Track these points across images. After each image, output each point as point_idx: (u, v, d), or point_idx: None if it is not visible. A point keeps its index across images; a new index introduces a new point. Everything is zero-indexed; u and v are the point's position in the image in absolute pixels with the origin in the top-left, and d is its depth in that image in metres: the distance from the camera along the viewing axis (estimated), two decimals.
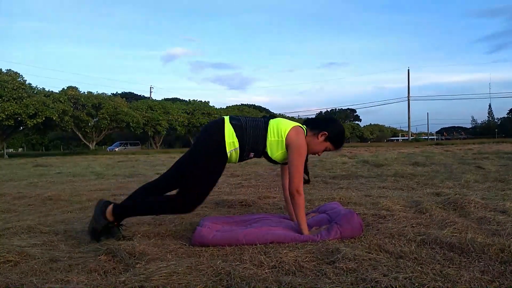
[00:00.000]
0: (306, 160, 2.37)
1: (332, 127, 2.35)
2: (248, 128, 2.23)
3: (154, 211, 2.31)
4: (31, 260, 1.84)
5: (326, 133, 2.31)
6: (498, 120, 64.00)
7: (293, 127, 2.26)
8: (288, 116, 54.85)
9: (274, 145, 2.24)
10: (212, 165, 2.21)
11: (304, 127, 2.34)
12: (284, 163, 2.37)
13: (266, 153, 2.27)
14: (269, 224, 2.31)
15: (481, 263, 1.65)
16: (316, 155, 2.41)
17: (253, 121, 2.28)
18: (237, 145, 2.21)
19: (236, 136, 2.20)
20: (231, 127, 2.21)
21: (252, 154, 2.28)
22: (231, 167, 7.58)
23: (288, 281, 1.49)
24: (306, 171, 2.42)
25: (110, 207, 2.21)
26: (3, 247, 1.94)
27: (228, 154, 2.21)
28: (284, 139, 2.22)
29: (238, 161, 2.31)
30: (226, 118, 2.27)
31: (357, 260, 1.68)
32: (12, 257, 1.85)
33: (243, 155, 2.26)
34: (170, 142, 45.88)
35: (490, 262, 1.66)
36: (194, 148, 2.31)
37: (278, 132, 2.24)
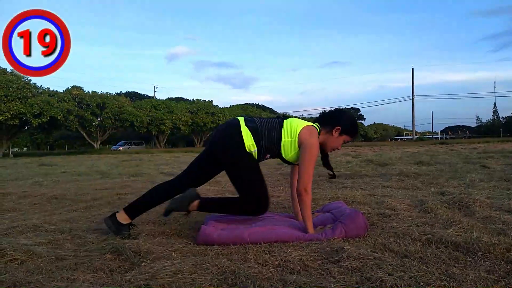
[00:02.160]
0: (327, 156, 2.39)
1: (344, 119, 2.35)
2: (263, 130, 2.25)
3: (227, 211, 2.36)
4: (37, 259, 1.85)
5: (340, 127, 2.32)
6: (503, 119, 63.54)
7: (305, 126, 2.26)
8: (291, 116, 54.87)
9: (288, 146, 2.25)
10: (248, 163, 2.25)
11: (317, 125, 2.33)
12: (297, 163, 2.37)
13: (281, 154, 2.28)
14: (273, 223, 2.31)
15: (487, 263, 1.64)
16: (336, 149, 2.42)
17: (267, 123, 2.29)
18: (255, 148, 2.23)
19: (253, 139, 2.22)
20: (248, 130, 2.23)
21: (268, 156, 2.31)
22: None
23: (292, 280, 1.49)
24: (330, 167, 2.44)
25: (197, 202, 2.26)
26: (9, 246, 1.95)
27: (251, 154, 2.25)
28: (296, 138, 2.23)
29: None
30: (241, 120, 2.28)
31: (362, 259, 1.68)
32: (18, 255, 1.86)
33: (260, 157, 2.28)
34: (174, 141, 45.96)
35: (495, 261, 1.65)
36: (220, 158, 2.30)
37: (290, 132, 2.25)
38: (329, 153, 2.45)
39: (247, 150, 2.22)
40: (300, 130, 2.24)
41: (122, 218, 2.31)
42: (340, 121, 2.33)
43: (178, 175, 2.50)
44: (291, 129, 2.26)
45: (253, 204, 2.25)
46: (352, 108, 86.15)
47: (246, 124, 2.25)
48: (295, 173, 2.45)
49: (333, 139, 2.33)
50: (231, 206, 2.33)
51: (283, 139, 2.25)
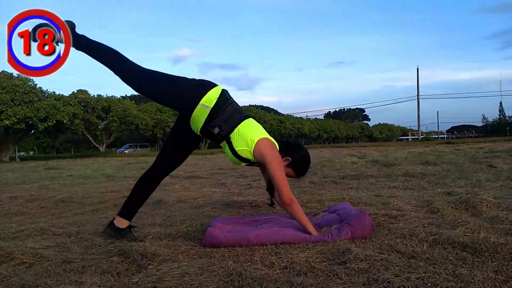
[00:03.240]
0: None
1: (297, 154, 2.32)
2: (230, 105, 2.19)
3: (108, 57, 2.29)
4: (45, 262, 1.86)
5: (290, 159, 2.29)
6: (510, 118, 63.15)
7: (267, 138, 2.20)
8: (296, 117, 54.79)
9: (241, 138, 2.15)
10: (177, 90, 2.22)
11: (276, 143, 2.27)
12: (236, 163, 2.28)
13: (230, 139, 2.17)
14: (279, 224, 2.31)
15: (495, 263, 1.63)
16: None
17: (238, 107, 2.24)
18: (210, 105, 2.14)
19: (217, 100, 2.16)
20: (219, 92, 2.19)
21: (216, 130, 2.16)
22: (240, 168, 7.59)
23: (299, 282, 1.49)
24: (272, 193, 2.39)
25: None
26: (17, 249, 1.97)
27: (198, 106, 2.15)
28: (254, 140, 2.15)
29: (200, 131, 2.21)
30: (221, 86, 2.25)
31: (369, 260, 1.67)
32: (27, 258, 1.87)
33: (209, 123, 2.15)
34: None
35: (503, 262, 1.64)
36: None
37: (251, 129, 2.18)
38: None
39: (201, 100, 2.15)
40: (262, 138, 2.17)
41: (120, 223, 2.33)
42: (294, 154, 2.30)
43: (154, 161, 2.43)
44: (252, 128, 2.19)
45: (132, 76, 2.25)
46: (357, 108, 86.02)
47: (222, 90, 2.22)
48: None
49: None
50: (116, 59, 2.27)
51: (239, 127, 2.16)
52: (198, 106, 2.16)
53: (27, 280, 1.59)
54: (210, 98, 2.16)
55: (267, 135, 2.24)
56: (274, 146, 2.22)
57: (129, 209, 2.37)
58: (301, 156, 2.34)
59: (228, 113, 2.17)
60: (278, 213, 2.91)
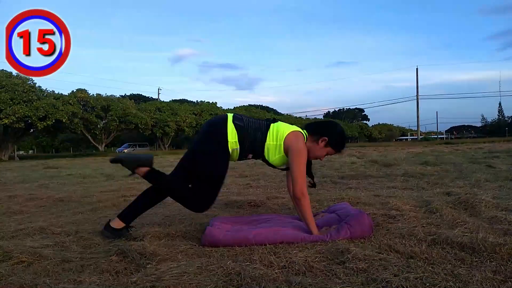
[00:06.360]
0: (310, 163, 2.37)
1: (331, 131, 2.35)
2: (249, 129, 2.25)
3: (169, 192, 2.39)
4: (44, 261, 1.86)
5: (326, 138, 2.31)
6: (509, 119, 63.23)
7: (292, 131, 2.26)
8: (296, 117, 54.79)
9: (272, 149, 2.26)
10: (218, 164, 2.26)
11: (304, 132, 2.33)
12: (282, 168, 2.37)
13: (264, 155, 2.29)
14: (278, 224, 2.32)
15: (493, 263, 1.64)
16: (319, 159, 2.41)
17: (255, 123, 2.30)
18: (238, 145, 2.24)
19: (238, 136, 2.23)
20: (233, 127, 2.23)
21: (250, 155, 2.31)
22: (239, 168, 7.60)
23: (298, 281, 1.49)
24: (311, 175, 2.42)
25: (146, 169, 2.40)
26: (16, 248, 1.97)
27: (232, 152, 2.26)
28: (282, 143, 2.24)
29: (238, 160, 2.35)
30: (230, 117, 2.28)
31: (368, 260, 1.67)
32: (25, 257, 1.87)
33: (242, 155, 2.29)
34: (178, 143, 46.04)
35: (502, 262, 1.64)
36: (197, 148, 2.34)
37: (276, 136, 2.25)
38: (312, 161, 2.45)
39: (229, 148, 2.23)
40: (287, 135, 2.24)
41: (116, 224, 2.35)
42: (328, 133, 2.33)
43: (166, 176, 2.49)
44: (277, 133, 2.26)
45: (199, 202, 2.28)
46: (356, 108, 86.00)
47: (233, 121, 2.26)
48: (290, 178, 2.44)
49: (317, 149, 2.31)
50: (176, 191, 2.36)
51: (267, 142, 2.25)
52: (230, 151, 2.25)
53: (25, 279, 1.59)
54: (233, 141, 2.23)
55: (291, 128, 2.29)
56: (299, 136, 2.26)
57: (129, 214, 2.40)
58: (336, 133, 2.37)
59: (251, 137, 2.25)
60: (277, 213, 2.91)
